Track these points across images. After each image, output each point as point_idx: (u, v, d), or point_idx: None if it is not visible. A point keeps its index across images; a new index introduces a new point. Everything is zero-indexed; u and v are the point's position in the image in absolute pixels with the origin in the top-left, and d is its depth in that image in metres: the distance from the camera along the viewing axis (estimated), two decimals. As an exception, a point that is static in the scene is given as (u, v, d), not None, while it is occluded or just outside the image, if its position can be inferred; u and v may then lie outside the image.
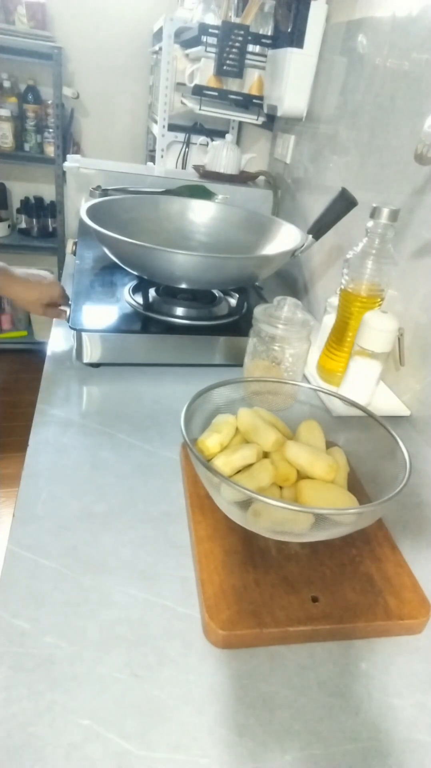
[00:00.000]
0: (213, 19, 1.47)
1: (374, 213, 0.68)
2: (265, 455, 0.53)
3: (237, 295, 0.90)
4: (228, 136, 1.46)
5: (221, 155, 1.35)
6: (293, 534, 0.46)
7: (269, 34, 1.26)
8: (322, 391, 0.63)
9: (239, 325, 0.84)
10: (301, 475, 0.51)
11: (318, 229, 0.85)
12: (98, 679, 0.38)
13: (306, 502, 0.48)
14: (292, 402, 0.68)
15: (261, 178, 1.44)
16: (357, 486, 0.54)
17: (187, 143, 1.80)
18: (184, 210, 1.03)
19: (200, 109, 1.44)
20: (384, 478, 0.65)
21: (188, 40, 1.49)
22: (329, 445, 0.57)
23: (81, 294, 0.85)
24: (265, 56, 1.27)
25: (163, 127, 1.71)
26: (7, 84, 2.08)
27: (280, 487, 0.51)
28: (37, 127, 2.14)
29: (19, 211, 2.34)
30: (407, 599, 0.45)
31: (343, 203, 0.81)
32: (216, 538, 0.49)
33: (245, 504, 0.46)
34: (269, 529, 0.46)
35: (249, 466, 0.51)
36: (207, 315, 0.86)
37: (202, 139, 1.70)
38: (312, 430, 0.56)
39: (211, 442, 0.52)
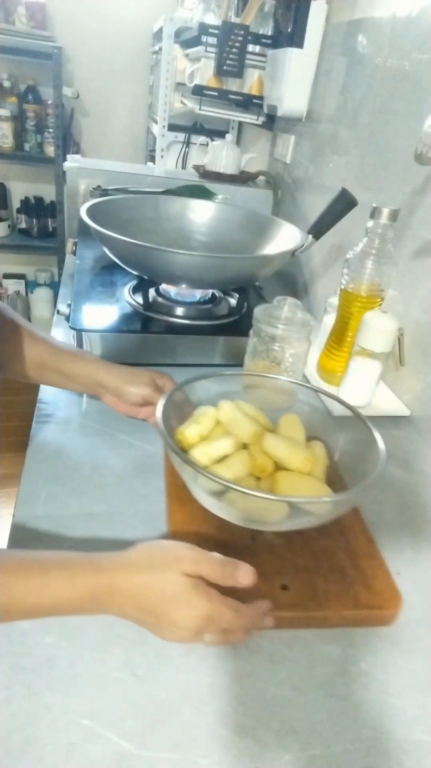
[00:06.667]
0: (213, 19, 1.47)
1: (374, 213, 0.68)
2: (245, 447, 0.53)
3: (238, 295, 0.90)
4: (228, 136, 1.46)
5: (221, 155, 1.35)
6: (267, 523, 0.47)
7: (269, 34, 1.26)
8: (301, 385, 0.62)
9: (239, 325, 0.84)
10: (280, 467, 0.52)
11: (318, 229, 0.85)
12: (98, 679, 0.38)
13: (282, 493, 0.49)
14: (293, 401, 0.68)
15: (261, 178, 1.44)
16: (336, 479, 0.55)
17: (187, 143, 1.80)
18: (184, 210, 1.03)
19: (200, 109, 1.44)
20: (366, 472, 0.65)
21: (188, 40, 1.49)
22: (315, 440, 0.58)
23: (81, 294, 0.85)
24: (265, 56, 1.26)
25: (163, 127, 1.71)
26: (7, 84, 2.08)
27: (258, 479, 0.52)
28: (37, 127, 2.14)
29: (19, 211, 2.34)
30: (378, 590, 0.46)
31: (343, 203, 0.81)
32: (192, 527, 0.49)
33: (219, 494, 0.46)
34: (243, 518, 0.47)
35: (228, 457, 0.52)
36: (207, 315, 0.86)
37: (202, 139, 1.70)
38: (293, 423, 0.57)
39: (189, 432, 0.52)
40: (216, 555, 0.40)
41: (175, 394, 0.55)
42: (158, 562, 0.39)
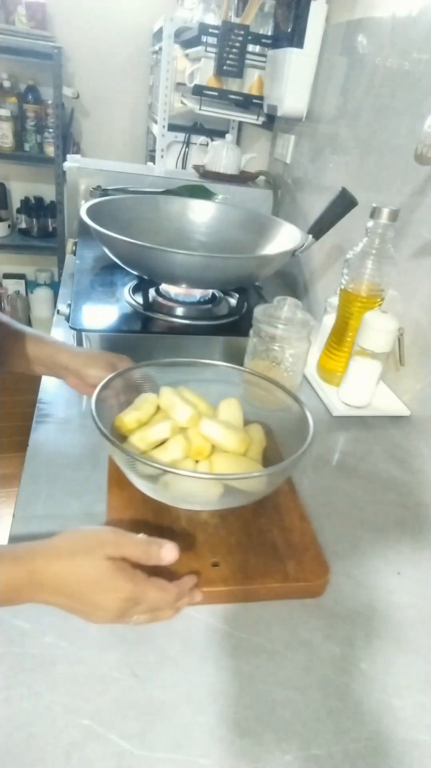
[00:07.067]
0: (213, 19, 1.47)
1: (374, 213, 0.68)
2: (183, 431, 0.54)
3: (237, 295, 0.90)
4: (228, 136, 1.46)
5: (221, 155, 1.35)
6: (203, 503, 0.49)
7: (269, 34, 1.26)
8: (238, 369, 0.63)
9: (239, 325, 0.84)
10: (217, 450, 0.53)
11: (319, 229, 0.85)
12: (98, 679, 0.38)
13: (217, 473, 0.50)
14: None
15: (261, 178, 1.44)
16: (277, 460, 0.55)
17: (187, 143, 1.80)
18: (184, 210, 1.03)
19: (200, 109, 1.44)
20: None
21: (188, 40, 1.49)
22: (254, 423, 0.59)
23: (81, 294, 0.85)
24: (265, 56, 1.26)
25: (163, 127, 1.71)
26: (7, 84, 2.08)
27: (196, 462, 0.53)
28: (37, 127, 2.14)
29: (19, 211, 2.34)
30: (307, 564, 0.47)
31: (343, 203, 0.81)
32: (129, 512, 0.50)
33: (154, 477, 0.47)
34: (178, 499, 0.49)
35: (165, 441, 0.52)
36: (207, 315, 0.86)
37: (202, 139, 1.70)
38: (231, 407, 0.58)
39: (128, 418, 0.53)
40: (140, 536, 0.40)
41: (123, 379, 0.56)
42: (80, 548, 0.39)
